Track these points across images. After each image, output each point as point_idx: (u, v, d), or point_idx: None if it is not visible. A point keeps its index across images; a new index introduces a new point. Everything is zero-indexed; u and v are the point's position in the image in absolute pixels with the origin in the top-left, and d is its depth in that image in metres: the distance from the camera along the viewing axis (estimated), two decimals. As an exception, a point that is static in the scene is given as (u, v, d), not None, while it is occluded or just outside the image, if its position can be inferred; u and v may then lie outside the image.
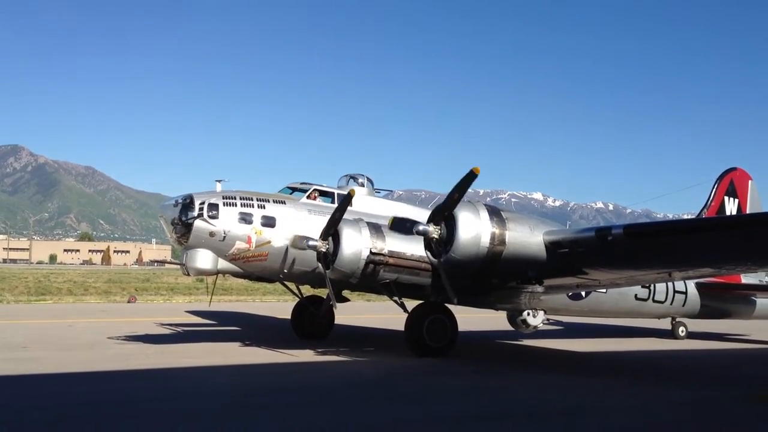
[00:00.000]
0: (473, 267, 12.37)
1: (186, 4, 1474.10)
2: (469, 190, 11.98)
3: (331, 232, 13.55)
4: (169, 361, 12.82)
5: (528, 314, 13.56)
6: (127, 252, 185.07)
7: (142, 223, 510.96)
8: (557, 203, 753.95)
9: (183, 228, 13.92)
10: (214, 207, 13.92)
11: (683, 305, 18.95)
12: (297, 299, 17.75)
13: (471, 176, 11.73)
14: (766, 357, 17.53)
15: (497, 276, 13.02)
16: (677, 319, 20.18)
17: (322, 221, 13.86)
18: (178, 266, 15.42)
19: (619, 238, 11.74)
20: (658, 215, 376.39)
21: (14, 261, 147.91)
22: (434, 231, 12.37)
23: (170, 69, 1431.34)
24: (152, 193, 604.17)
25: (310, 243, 13.71)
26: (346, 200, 13.51)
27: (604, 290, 16.66)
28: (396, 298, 14.30)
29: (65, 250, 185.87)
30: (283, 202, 14.77)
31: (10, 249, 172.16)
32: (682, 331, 20.36)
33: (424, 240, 12.73)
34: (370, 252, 13.27)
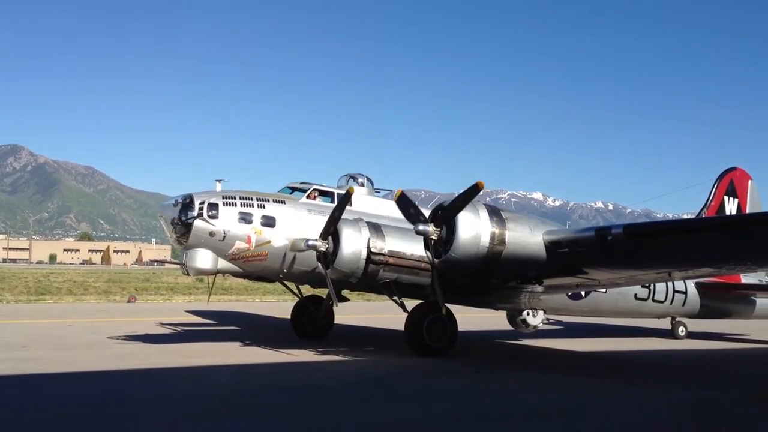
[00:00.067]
0: (473, 267, 12.39)
1: (186, 4, 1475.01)
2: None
3: (331, 230, 13.56)
4: (169, 361, 12.82)
5: (528, 314, 13.60)
6: (127, 252, 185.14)
7: (142, 223, 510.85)
8: (557, 203, 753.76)
9: (183, 228, 13.92)
10: (213, 207, 13.92)
11: (683, 305, 18.96)
12: (297, 299, 17.76)
13: (475, 189, 11.89)
14: (766, 357, 17.55)
15: (497, 276, 13.04)
16: (677, 319, 20.19)
17: (322, 221, 13.88)
18: (178, 266, 15.42)
19: (619, 237, 11.76)
20: (658, 215, 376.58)
21: (14, 261, 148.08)
22: (434, 232, 12.40)
23: (170, 69, 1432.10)
24: (152, 192, 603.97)
25: (310, 242, 13.72)
26: (345, 198, 13.52)
27: (604, 290, 16.66)
28: (396, 298, 14.32)
29: (65, 250, 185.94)
30: (283, 202, 14.78)
31: (10, 249, 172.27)
32: (682, 331, 20.37)
33: (424, 240, 12.75)
34: (370, 252, 13.28)
